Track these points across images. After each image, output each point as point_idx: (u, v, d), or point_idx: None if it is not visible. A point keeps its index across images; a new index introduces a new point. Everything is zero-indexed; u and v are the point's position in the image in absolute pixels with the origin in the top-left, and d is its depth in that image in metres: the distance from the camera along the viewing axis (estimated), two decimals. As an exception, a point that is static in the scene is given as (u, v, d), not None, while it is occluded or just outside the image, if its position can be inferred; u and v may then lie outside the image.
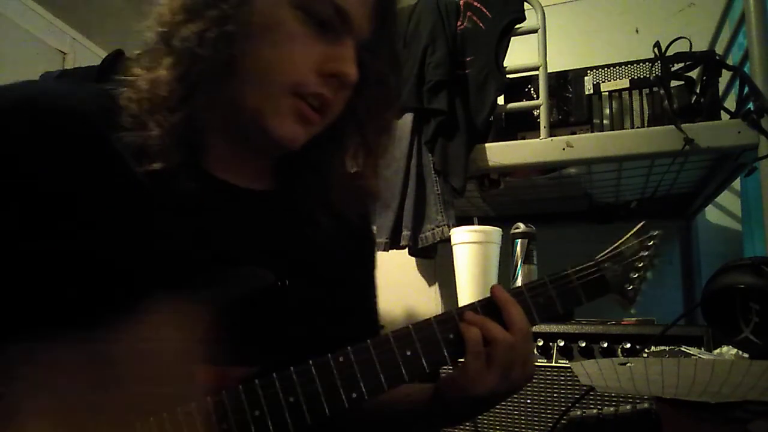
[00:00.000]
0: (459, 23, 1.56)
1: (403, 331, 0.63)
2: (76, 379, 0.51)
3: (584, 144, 1.43)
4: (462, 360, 0.64)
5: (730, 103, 1.47)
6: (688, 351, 1.02)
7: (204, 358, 0.54)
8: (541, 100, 1.47)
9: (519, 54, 1.59)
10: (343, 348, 0.60)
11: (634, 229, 0.74)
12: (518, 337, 0.64)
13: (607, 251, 0.72)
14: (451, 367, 0.67)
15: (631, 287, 0.71)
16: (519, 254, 1.41)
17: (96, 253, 0.56)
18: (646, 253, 0.73)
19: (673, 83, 1.43)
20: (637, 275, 0.71)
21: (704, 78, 1.45)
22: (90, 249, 0.56)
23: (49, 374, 0.51)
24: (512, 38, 1.51)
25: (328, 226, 0.72)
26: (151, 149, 0.60)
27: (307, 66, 0.63)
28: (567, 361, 1.18)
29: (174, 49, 0.61)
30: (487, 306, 0.66)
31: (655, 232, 0.74)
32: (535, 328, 0.70)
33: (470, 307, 0.66)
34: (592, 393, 1.09)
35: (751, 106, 1.31)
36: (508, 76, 1.50)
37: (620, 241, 0.73)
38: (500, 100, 1.55)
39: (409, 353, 0.62)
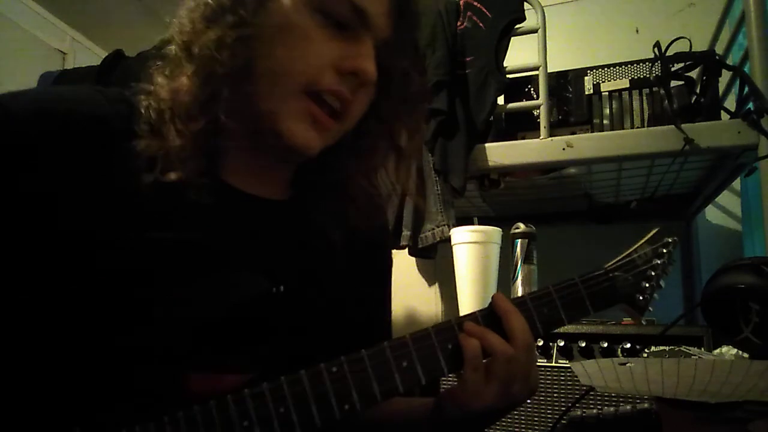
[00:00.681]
0: (459, 23, 1.56)
1: (400, 341, 0.61)
2: None
3: (584, 144, 1.43)
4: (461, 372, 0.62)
5: (730, 103, 1.47)
6: (688, 351, 1.02)
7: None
8: (541, 100, 1.47)
9: (519, 54, 1.58)
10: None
11: (648, 236, 0.71)
12: (519, 349, 0.61)
13: (618, 259, 0.70)
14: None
15: (642, 297, 0.69)
16: (519, 254, 1.41)
17: (96, 261, 0.56)
18: (659, 261, 0.70)
19: (673, 83, 1.43)
20: (648, 284, 0.69)
21: (704, 78, 1.44)
22: (91, 257, 0.56)
23: None
24: (512, 38, 1.51)
25: (340, 239, 0.71)
26: (169, 158, 0.60)
27: (324, 64, 0.62)
28: (567, 361, 1.18)
29: (194, 57, 0.61)
30: (489, 316, 0.64)
31: (670, 239, 0.71)
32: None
33: (471, 316, 0.64)
34: (592, 393, 1.09)
35: (751, 106, 1.31)
36: (508, 76, 1.50)
37: (632, 248, 0.71)
38: (500, 100, 1.55)
39: (405, 364, 0.60)
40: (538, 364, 1.19)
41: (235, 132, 0.65)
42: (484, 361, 0.61)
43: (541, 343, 1.21)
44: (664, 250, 0.71)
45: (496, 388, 0.61)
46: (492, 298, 0.65)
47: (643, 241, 0.72)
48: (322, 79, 0.62)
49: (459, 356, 0.61)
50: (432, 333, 0.62)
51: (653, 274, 0.70)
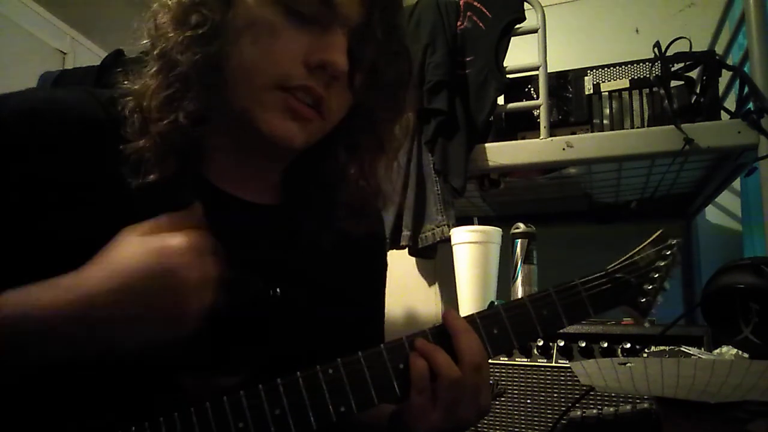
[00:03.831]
0: (459, 23, 1.56)
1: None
2: None
3: (584, 144, 1.43)
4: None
5: (730, 103, 1.47)
6: (688, 351, 1.02)
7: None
8: (541, 100, 1.47)
9: (519, 54, 1.59)
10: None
11: (651, 237, 0.70)
12: (466, 371, 0.58)
13: (620, 260, 0.69)
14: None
15: (644, 299, 0.68)
16: (519, 254, 1.41)
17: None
18: (663, 263, 0.69)
19: (673, 83, 1.43)
20: (651, 287, 0.68)
21: (704, 78, 1.45)
22: (81, 261, 0.55)
23: None
24: (512, 38, 1.51)
25: (332, 242, 0.70)
26: (149, 159, 0.60)
27: (292, 59, 0.60)
28: (567, 361, 1.18)
29: (157, 57, 0.61)
30: (441, 334, 0.61)
31: (674, 241, 0.70)
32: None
33: (422, 333, 0.61)
34: (592, 393, 1.09)
35: (751, 106, 1.31)
36: (508, 76, 1.50)
37: (635, 250, 0.70)
38: (500, 100, 1.55)
39: (402, 366, 0.59)
40: (537, 364, 1.20)
41: (216, 132, 0.65)
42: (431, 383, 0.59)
43: (541, 343, 1.21)
44: (668, 252, 0.70)
45: (442, 412, 0.58)
46: (442, 315, 0.63)
47: (646, 242, 0.70)
48: (292, 74, 0.60)
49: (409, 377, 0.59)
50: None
51: (656, 276, 0.68)
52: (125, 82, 0.63)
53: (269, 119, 0.61)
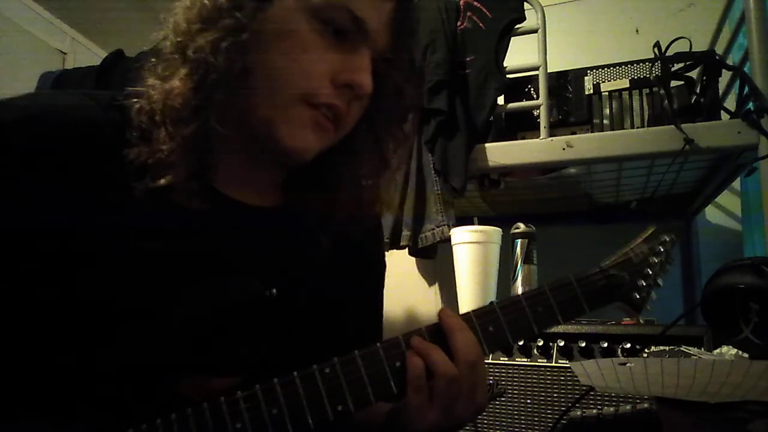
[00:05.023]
0: (459, 23, 1.56)
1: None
2: None
3: (584, 144, 1.43)
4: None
5: (730, 103, 1.47)
6: (688, 351, 1.02)
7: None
8: (541, 100, 1.47)
9: (519, 54, 1.58)
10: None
11: (644, 234, 0.71)
12: (462, 368, 0.59)
13: (614, 257, 0.69)
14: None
15: (639, 295, 0.68)
16: (519, 254, 1.41)
17: (88, 269, 0.56)
18: (657, 259, 0.70)
19: (673, 83, 1.43)
20: (645, 283, 0.68)
21: (704, 78, 1.44)
22: (84, 265, 0.56)
23: None
24: (512, 38, 1.51)
25: (330, 245, 0.71)
26: (159, 163, 0.59)
27: (321, 75, 0.61)
28: (567, 361, 1.18)
29: (188, 59, 0.60)
30: (437, 331, 0.62)
31: (667, 237, 0.71)
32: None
33: (418, 332, 0.62)
34: (592, 393, 1.09)
35: (751, 106, 1.31)
36: (508, 76, 1.50)
37: (629, 247, 0.70)
38: (500, 100, 1.55)
39: (398, 364, 0.59)
40: (537, 364, 1.20)
41: (228, 138, 0.64)
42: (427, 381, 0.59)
43: (541, 343, 1.21)
44: (662, 249, 0.70)
45: (438, 410, 0.59)
46: (438, 314, 0.63)
47: (640, 239, 0.71)
48: (319, 91, 0.61)
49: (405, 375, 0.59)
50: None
51: (650, 272, 0.69)
52: (139, 83, 0.63)
53: (291, 132, 0.62)
